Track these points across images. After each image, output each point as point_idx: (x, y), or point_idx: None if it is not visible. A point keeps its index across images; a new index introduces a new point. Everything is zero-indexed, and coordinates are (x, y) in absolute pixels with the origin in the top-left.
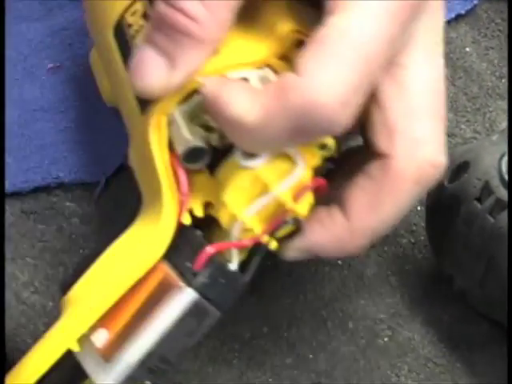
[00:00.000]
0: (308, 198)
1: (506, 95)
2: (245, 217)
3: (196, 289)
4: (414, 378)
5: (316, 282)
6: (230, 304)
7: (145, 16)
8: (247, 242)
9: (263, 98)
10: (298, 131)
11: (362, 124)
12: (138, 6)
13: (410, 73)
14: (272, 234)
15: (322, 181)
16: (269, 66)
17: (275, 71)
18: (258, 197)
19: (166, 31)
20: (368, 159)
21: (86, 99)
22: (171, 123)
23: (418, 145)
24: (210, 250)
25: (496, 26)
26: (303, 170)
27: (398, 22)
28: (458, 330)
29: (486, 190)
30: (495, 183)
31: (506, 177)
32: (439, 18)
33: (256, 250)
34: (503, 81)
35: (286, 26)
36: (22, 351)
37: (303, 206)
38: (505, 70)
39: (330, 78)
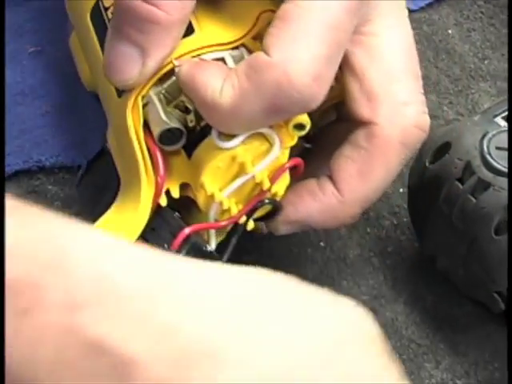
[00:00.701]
0: (285, 179)
1: (488, 77)
2: (222, 198)
3: None
4: (396, 359)
5: (298, 263)
6: None
7: None
8: (224, 222)
9: (236, 80)
10: (273, 110)
11: (343, 97)
12: None
13: (381, 39)
14: (250, 214)
15: (298, 160)
16: (244, 46)
17: (250, 51)
18: (236, 178)
19: (132, 22)
20: (353, 129)
21: (66, 83)
22: (148, 104)
23: (399, 108)
24: (186, 230)
25: (478, 7)
26: (279, 150)
27: None
28: (441, 311)
29: (468, 170)
30: (477, 163)
31: (488, 157)
32: None
33: (234, 231)
34: (485, 62)
35: (258, 8)
36: None
37: (280, 187)
38: (487, 52)
39: (298, 53)
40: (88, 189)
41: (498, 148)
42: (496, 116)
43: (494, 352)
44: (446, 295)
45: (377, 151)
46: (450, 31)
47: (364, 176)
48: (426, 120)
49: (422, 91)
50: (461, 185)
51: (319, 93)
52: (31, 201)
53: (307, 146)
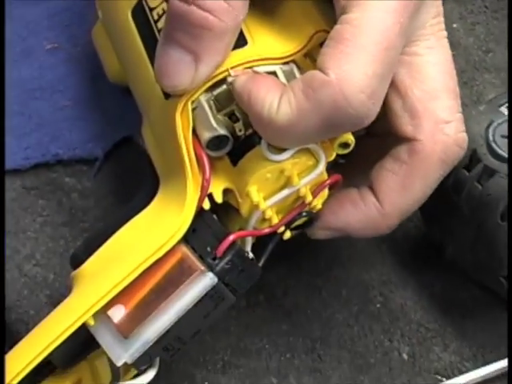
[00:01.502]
0: (324, 193)
1: (492, 69)
2: (266, 207)
3: (216, 273)
4: (406, 343)
5: (310, 251)
6: (245, 290)
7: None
8: (267, 231)
9: (293, 97)
10: (328, 127)
11: (385, 113)
12: None
13: (424, 59)
14: (288, 224)
15: (338, 177)
16: (294, 62)
17: (299, 68)
18: (280, 189)
19: (185, 28)
20: (394, 143)
21: (83, 78)
22: (196, 109)
23: (441, 125)
24: (232, 237)
25: (482, 1)
26: (324, 166)
27: (407, 12)
28: (449, 296)
29: (474, 158)
30: (483, 151)
31: (494, 145)
32: (439, 3)
33: (269, 238)
34: (489, 55)
35: (313, 26)
36: (25, 322)
37: (319, 200)
38: (491, 45)
39: (354, 71)
40: (105, 179)
41: (503, 136)
42: (501, 106)
43: (501, 336)
44: (454, 280)
45: (418, 166)
46: (454, 25)
47: (404, 189)
48: (464, 138)
49: (461, 109)
50: (467, 172)
51: (373, 110)
52: (49, 192)
53: (341, 161)
